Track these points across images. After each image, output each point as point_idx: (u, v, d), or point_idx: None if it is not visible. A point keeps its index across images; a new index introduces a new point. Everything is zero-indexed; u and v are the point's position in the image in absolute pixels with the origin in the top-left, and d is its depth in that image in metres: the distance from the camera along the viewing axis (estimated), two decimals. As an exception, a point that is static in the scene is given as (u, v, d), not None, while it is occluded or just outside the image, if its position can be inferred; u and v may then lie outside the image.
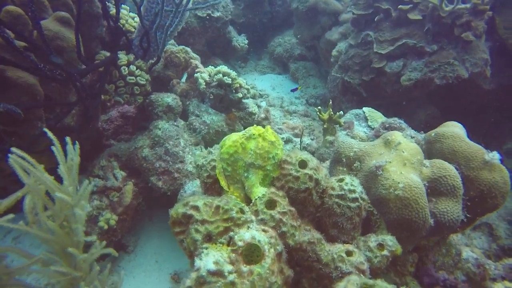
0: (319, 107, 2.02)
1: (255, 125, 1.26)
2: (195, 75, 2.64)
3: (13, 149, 1.02)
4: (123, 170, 2.58)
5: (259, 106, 3.08)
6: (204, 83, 2.60)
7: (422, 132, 2.17)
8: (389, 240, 1.15)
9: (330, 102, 1.99)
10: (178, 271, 2.59)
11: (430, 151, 1.41)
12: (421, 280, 1.32)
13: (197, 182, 2.43)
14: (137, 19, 2.63)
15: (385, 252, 1.13)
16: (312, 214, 1.24)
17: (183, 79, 2.96)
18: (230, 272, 0.87)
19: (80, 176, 2.55)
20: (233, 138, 1.21)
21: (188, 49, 2.88)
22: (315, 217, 1.24)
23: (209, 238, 0.96)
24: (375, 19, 2.63)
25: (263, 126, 2.84)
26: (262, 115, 2.80)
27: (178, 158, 2.46)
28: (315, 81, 4.00)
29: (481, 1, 2.07)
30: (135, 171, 2.58)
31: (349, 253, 1.07)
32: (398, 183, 1.16)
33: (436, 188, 1.21)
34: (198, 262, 0.90)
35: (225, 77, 2.60)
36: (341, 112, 1.96)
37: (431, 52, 2.41)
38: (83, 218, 1.05)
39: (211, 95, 2.70)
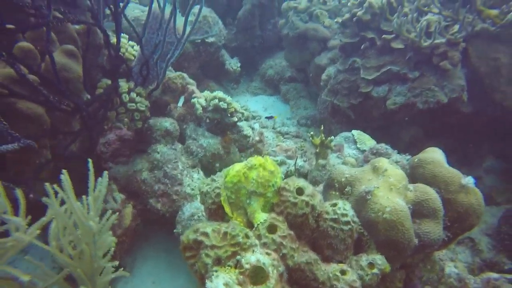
0: (312, 133, 2.17)
1: (256, 156, 1.39)
2: (192, 100, 2.77)
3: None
4: (121, 193, 2.66)
5: (252, 128, 3.21)
6: (201, 108, 2.72)
7: (407, 154, 2.34)
8: (379, 259, 1.27)
9: (322, 128, 2.14)
10: (179, 290, 2.65)
11: (414, 175, 1.55)
12: (409, 295, 1.44)
13: (195, 204, 2.52)
14: (136, 47, 2.76)
15: (375, 270, 1.24)
16: (309, 237, 1.35)
17: (180, 103, 3.08)
18: (238, 293, 0.98)
19: (79, 199, 2.62)
20: (236, 168, 1.33)
21: (185, 75, 3.01)
22: (311, 238, 1.36)
23: (219, 261, 1.06)
24: (362, 47, 2.83)
25: (258, 149, 2.95)
26: (257, 138, 2.93)
27: (176, 181, 2.55)
28: (305, 103, 4.17)
29: (454, 37, 2.28)
30: (134, 193, 2.66)
31: (343, 272, 1.19)
32: (386, 207, 1.29)
33: (419, 210, 1.35)
34: (209, 284, 1.00)
35: (221, 102, 2.73)
36: (332, 137, 2.10)
37: (413, 78, 2.60)
38: (107, 245, 1.15)
39: (207, 119, 2.83)
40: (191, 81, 3.08)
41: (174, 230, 2.45)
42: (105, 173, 1.24)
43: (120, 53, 2.43)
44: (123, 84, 2.44)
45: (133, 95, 2.46)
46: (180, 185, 2.56)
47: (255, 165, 1.33)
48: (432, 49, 2.45)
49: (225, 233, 1.12)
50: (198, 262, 1.08)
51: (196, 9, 2.36)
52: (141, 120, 2.55)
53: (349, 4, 2.98)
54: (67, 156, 2.04)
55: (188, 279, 2.77)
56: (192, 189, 2.60)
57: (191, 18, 2.43)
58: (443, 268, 1.55)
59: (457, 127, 2.94)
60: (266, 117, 3.05)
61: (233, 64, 4.24)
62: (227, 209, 1.31)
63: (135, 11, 3.77)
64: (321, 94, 3.51)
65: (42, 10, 1.59)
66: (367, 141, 2.48)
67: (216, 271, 1.04)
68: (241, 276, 1.01)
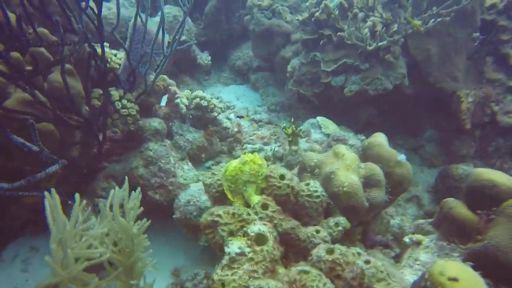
0: (284, 124, 2.61)
1: (248, 154, 1.81)
2: (176, 101, 3.10)
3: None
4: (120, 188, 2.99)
5: (229, 118, 3.60)
6: (185, 108, 3.07)
7: (363, 134, 2.86)
8: (342, 219, 1.76)
9: (292, 120, 2.58)
10: (177, 267, 3.07)
11: (365, 155, 2.05)
12: (365, 244, 1.97)
13: (189, 191, 2.90)
14: (119, 55, 3.01)
15: (340, 228, 1.74)
16: (291, 209, 1.81)
17: (162, 103, 3.38)
18: (248, 252, 1.43)
19: (84, 197, 2.93)
20: (233, 165, 1.75)
21: (165, 77, 3.30)
22: (292, 210, 1.82)
23: (231, 234, 1.50)
24: (321, 43, 3.27)
25: (238, 138, 3.36)
26: (235, 129, 3.33)
27: (170, 173, 2.93)
28: (273, 90, 4.59)
29: (393, 38, 2.78)
30: (132, 188, 2.99)
31: (317, 231, 1.67)
32: (344, 182, 1.78)
33: (368, 182, 1.85)
34: (227, 249, 1.44)
35: (202, 101, 3.09)
36: (301, 127, 2.56)
37: (365, 70, 3.09)
38: (142, 246, 1.53)
39: (190, 116, 3.17)
40: (171, 81, 3.37)
41: (173, 216, 2.84)
42: (139, 188, 1.60)
43: (108, 64, 2.68)
44: (114, 93, 2.71)
45: (124, 101, 2.75)
46: (174, 176, 2.94)
47: (247, 161, 1.76)
48: (375, 47, 2.94)
49: (233, 214, 1.55)
50: (217, 236, 1.51)
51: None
52: (133, 123, 2.86)
53: (307, 4, 3.37)
54: (70, 163, 2.35)
55: (186, 256, 3.21)
56: (185, 179, 2.99)
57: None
58: (389, 221, 2.10)
59: (402, 106, 3.52)
60: (237, 117, 3.46)
61: (204, 58, 4.53)
62: (229, 195, 1.74)
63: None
64: (287, 84, 3.94)
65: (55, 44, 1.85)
66: (330, 126, 2.97)
67: (230, 240, 1.48)
68: (249, 241, 1.46)
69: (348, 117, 3.47)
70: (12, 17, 1.90)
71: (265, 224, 1.56)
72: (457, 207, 1.61)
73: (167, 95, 3.27)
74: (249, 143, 3.20)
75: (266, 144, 3.21)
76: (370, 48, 2.80)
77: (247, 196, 1.73)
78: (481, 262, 1.31)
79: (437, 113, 3.50)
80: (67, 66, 2.30)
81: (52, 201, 1.40)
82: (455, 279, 1.08)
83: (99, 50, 2.53)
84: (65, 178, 2.65)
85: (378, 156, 1.97)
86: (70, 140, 2.42)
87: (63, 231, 1.38)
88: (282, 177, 1.75)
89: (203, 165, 3.28)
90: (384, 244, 2.00)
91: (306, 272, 1.34)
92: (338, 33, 3.14)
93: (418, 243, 1.72)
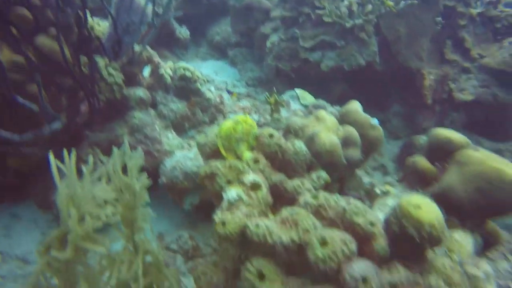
0: (267, 93, 2.79)
1: (240, 115, 1.97)
2: (160, 71, 3.16)
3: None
4: (105, 156, 3.05)
5: (210, 91, 3.70)
6: (169, 78, 3.14)
7: (338, 105, 3.09)
8: (323, 173, 2.00)
9: (275, 90, 2.76)
10: (161, 232, 3.22)
11: (342, 120, 2.29)
12: (341, 197, 2.23)
13: (174, 158, 3.03)
14: (101, 23, 3.00)
15: (321, 181, 1.98)
16: (278, 165, 2.02)
17: (145, 74, 3.41)
18: (245, 198, 1.62)
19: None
20: (227, 124, 1.91)
21: (148, 47, 3.33)
22: (279, 166, 2.03)
23: (229, 182, 1.68)
24: (300, 21, 3.44)
25: (220, 109, 3.50)
26: (218, 100, 3.46)
27: (156, 141, 3.03)
28: (251, 66, 4.73)
29: (367, 17, 3.01)
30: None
31: (302, 183, 1.90)
32: (326, 142, 2.00)
33: (346, 142, 2.09)
34: (226, 196, 1.62)
35: (186, 72, 3.17)
36: (283, 97, 2.75)
37: (340, 47, 3.32)
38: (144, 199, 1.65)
39: (174, 86, 3.25)
40: (154, 52, 3.41)
41: (159, 180, 2.96)
42: (139, 149, 1.70)
43: (93, 32, 2.69)
44: (100, 61, 2.73)
45: (110, 70, 2.78)
46: (160, 144, 3.04)
47: (239, 121, 1.93)
48: (353, 25, 3.17)
49: (230, 166, 1.73)
50: (215, 185, 1.68)
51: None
52: (119, 92, 2.90)
53: (287, -19, 3.51)
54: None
55: (170, 222, 3.36)
56: (170, 146, 3.10)
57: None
58: (361, 179, 2.38)
59: (373, 82, 3.81)
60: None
61: (183, 32, 4.55)
62: (223, 152, 1.91)
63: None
64: (266, 59, 4.09)
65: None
66: (308, 97, 3.19)
67: (228, 188, 1.66)
68: (245, 189, 1.65)
69: (323, 91, 3.71)
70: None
71: (258, 175, 1.75)
72: (420, 160, 1.90)
73: (150, 66, 3.31)
74: (231, 113, 3.35)
75: (248, 114, 3.38)
76: (348, 25, 3.02)
77: (240, 152, 1.91)
78: (438, 202, 1.60)
79: (403, 90, 3.83)
80: (52, 30, 2.30)
81: (67, 159, 1.49)
82: (419, 207, 1.34)
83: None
84: (51, 143, 2.68)
85: (354, 120, 2.21)
86: (57, 107, 2.45)
87: (76, 189, 1.47)
88: (271, 136, 1.94)
89: (186, 134, 3.40)
90: (357, 198, 2.28)
91: (297, 212, 1.56)
92: (317, 11, 3.32)
93: (387, 193, 2.00)
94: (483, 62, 3.62)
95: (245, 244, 1.60)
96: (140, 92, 3.07)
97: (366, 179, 2.42)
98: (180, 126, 3.33)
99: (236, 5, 4.03)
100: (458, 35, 3.70)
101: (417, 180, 1.88)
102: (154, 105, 3.26)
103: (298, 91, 3.23)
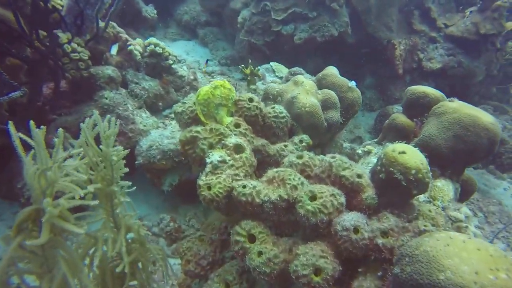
0: (242, 65, 2.72)
1: (217, 80, 1.90)
2: (129, 48, 3.00)
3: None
4: (75, 139, 2.89)
5: (182, 69, 3.58)
6: (139, 55, 2.99)
7: (313, 75, 3.07)
8: (305, 137, 1.99)
9: (250, 61, 2.71)
10: (141, 216, 3.13)
11: (320, 85, 2.28)
12: (323, 162, 2.23)
13: (150, 137, 2.92)
14: (59, -4, 2.78)
15: (304, 144, 1.97)
16: (258, 130, 1.98)
17: (113, 52, 3.23)
18: (229, 160, 1.57)
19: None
20: (205, 89, 1.84)
21: (115, 24, 3.15)
22: (260, 131, 1.99)
23: (211, 146, 1.62)
24: (271, -8, 3.38)
25: (194, 86, 3.40)
26: (191, 77, 3.35)
27: (129, 120, 2.89)
28: (223, 44, 4.62)
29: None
30: (87, 138, 2.91)
31: (285, 146, 1.87)
32: (306, 104, 1.99)
33: (325, 105, 2.09)
34: (209, 159, 1.57)
35: (156, 48, 3.03)
36: (259, 67, 2.70)
37: (313, 18, 3.30)
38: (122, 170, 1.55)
39: (144, 64, 3.11)
40: (121, 29, 3.23)
41: (136, 162, 2.85)
42: (113, 119, 1.60)
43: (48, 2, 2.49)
44: (62, 35, 2.55)
45: (74, 45, 2.60)
46: (133, 123, 2.91)
47: (218, 85, 1.86)
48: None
49: (211, 129, 1.67)
50: (197, 149, 1.62)
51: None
52: (85, 69, 2.72)
53: (256, -48, 3.42)
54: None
55: (149, 205, 3.26)
56: (144, 126, 2.98)
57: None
58: (342, 144, 2.40)
59: (346, 56, 3.84)
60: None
61: (150, 11, 4.35)
62: (202, 118, 1.83)
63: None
64: (238, 35, 4.01)
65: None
66: (283, 70, 3.17)
67: (211, 151, 1.61)
68: (228, 151, 1.60)
69: (297, 64, 3.69)
70: None
71: (241, 138, 1.71)
72: (399, 117, 1.93)
73: (117, 43, 3.13)
74: (206, 90, 3.25)
75: (223, 90, 3.30)
76: None
77: (219, 118, 1.85)
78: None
79: (374, 61, 3.89)
80: (7, -2, 2.10)
81: (34, 131, 1.35)
82: (403, 152, 1.35)
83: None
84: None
85: (332, 84, 2.21)
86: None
87: (47, 163, 1.34)
88: (250, 100, 1.89)
89: (161, 113, 3.28)
90: (338, 162, 2.29)
91: (283, 170, 1.54)
92: (288, -18, 3.28)
93: (368, 152, 2.03)
94: (448, 31, 3.74)
95: (232, 207, 1.56)
96: (109, 71, 2.91)
97: (346, 144, 2.44)
98: (154, 105, 3.20)
99: (204, -20, 3.90)
100: (424, 5, 3.79)
101: (397, 137, 1.91)
102: (124, 84, 3.10)
103: (273, 64, 3.19)
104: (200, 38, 4.72)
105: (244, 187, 1.47)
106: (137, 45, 3.06)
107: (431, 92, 1.85)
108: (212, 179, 1.51)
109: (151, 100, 3.16)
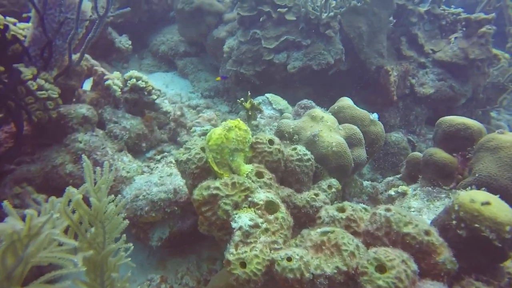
0: (242, 99, 2.43)
1: (229, 119, 1.59)
2: (107, 82, 2.61)
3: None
4: (40, 194, 2.41)
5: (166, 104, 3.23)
6: (119, 90, 2.61)
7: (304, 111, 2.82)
8: (333, 181, 1.70)
9: (249, 93, 2.42)
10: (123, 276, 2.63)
11: (337, 118, 2.03)
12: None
13: (134, 185, 2.50)
14: (19, 24, 2.38)
15: (333, 190, 1.67)
16: (279, 177, 1.67)
17: (86, 87, 2.83)
18: (262, 222, 1.23)
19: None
20: (217, 132, 1.51)
21: (88, 56, 2.77)
22: (281, 178, 1.68)
23: (236, 206, 1.27)
24: (260, 20, 3.17)
25: (181, 123, 3.05)
26: (178, 113, 3.00)
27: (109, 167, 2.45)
28: (205, 75, 4.34)
29: (334, 12, 2.88)
30: (57, 190, 2.44)
31: (316, 195, 1.57)
32: (332, 142, 1.71)
33: (350, 142, 1.83)
34: (236, 223, 1.22)
35: (139, 82, 2.67)
36: (259, 100, 2.42)
37: (307, 45, 3.12)
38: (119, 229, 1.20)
39: (125, 100, 2.72)
40: (95, 61, 2.84)
41: (121, 215, 2.40)
42: (107, 163, 1.26)
43: (12, 33, 2.08)
44: (25, 70, 2.13)
45: (41, 81, 2.18)
46: (114, 170, 2.47)
47: (232, 126, 1.54)
48: (318, 21, 3.00)
49: (233, 183, 1.33)
50: (219, 211, 1.27)
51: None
52: (54, 109, 2.29)
53: (242, -21, 3.24)
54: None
55: (133, 262, 2.78)
56: (128, 172, 2.55)
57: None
58: (362, 183, 2.14)
59: (336, 83, 3.68)
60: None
61: (123, 41, 4.00)
62: (215, 167, 1.49)
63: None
64: (223, 66, 3.75)
65: None
66: (281, 102, 2.91)
67: (236, 213, 1.26)
68: (259, 211, 1.26)
69: (287, 95, 3.47)
70: None
71: (268, 191, 1.38)
72: (437, 152, 1.70)
73: (92, 78, 2.74)
74: (195, 126, 2.92)
75: (214, 126, 2.98)
76: (325, 15, 2.83)
77: (236, 166, 1.51)
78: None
79: (367, 88, 3.77)
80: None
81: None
82: (487, 203, 1.09)
83: None
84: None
85: (352, 117, 1.97)
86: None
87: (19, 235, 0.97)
88: (271, 142, 1.59)
89: (144, 155, 2.87)
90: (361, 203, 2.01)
91: (331, 231, 1.22)
92: (279, 10, 3.10)
93: (403, 194, 1.77)
94: (436, 56, 3.74)
95: (271, 285, 1.20)
96: (83, 110, 2.49)
97: (366, 182, 2.18)
98: (136, 147, 2.79)
99: (185, 8, 3.65)
100: (410, 32, 3.78)
101: (436, 175, 1.68)
102: (101, 124, 2.68)
103: (269, 95, 2.94)
104: (179, 69, 4.41)
105: (290, 259, 1.12)
106: (115, 79, 2.68)
107: (472, 123, 1.65)
108: (245, 251, 1.15)
109: (133, 141, 2.76)
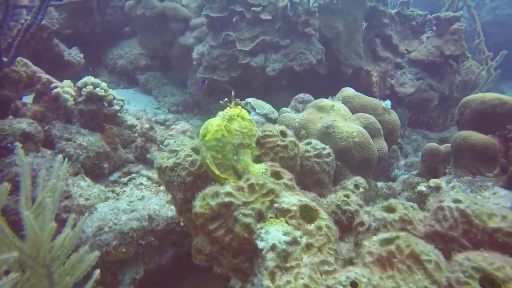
0: (226, 99, 2.07)
1: (228, 107, 1.22)
2: (55, 90, 2.12)
3: None
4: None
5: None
6: (72, 99, 2.12)
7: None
8: (360, 179, 1.37)
9: (233, 93, 2.07)
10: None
11: (344, 110, 1.73)
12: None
13: (97, 214, 1.98)
14: None
15: (361, 190, 1.34)
16: (295, 178, 1.31)
17: (27, 99, 2.30)
18: (301, 236, 0.85)
19: None
20: (216, 123, 1.13)
21: (28, 61, 2.27)
22: (297, 180, 1.32)
23: (260, 216, 0.88)
24: (233, 20, 2.88)
25: (151, 137, 2.60)
26: (146, 126, 2.55)
27: (61, 195, 1.93)
28: (171, 89, 3.93)
29: (311, 7, 2.69)
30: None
31: (347, 196, 1.22)
32: (352, 132, 1.39)
33: (369, 132, 1.52)
34: (265, 242, 0.82)
35: (97, 89, 2.21)
36: (249, 101, 2.08)
37: (285, 46, 2.87)
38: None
39: (80, 112, 2.23)
40: (38, 68, 2.34)
41: (83, 248, 1.86)
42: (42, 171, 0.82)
43: None
44: None
45: (-36, 87, 1.66)
46: (69, 198, 1.95)
47: (233, 115, 1.18)
48: (296, 18, 2.77)
49: (251, 186, 0.94)
50: (236, 226, 0.86)
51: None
52: (-17, 124, 1.76)
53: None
54: None
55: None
56: (87, 199, 2.03)
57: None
58: (376, 184, 1.83)
59: (315, 86, 3.45)
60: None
61: (74, 54, 3.50)
62: (216, 170, 1.10)
63: None
64: (192, 75, 3.38)
65: None
66: (264, 106, 2.59)
67: (261, 227, 0.86)
68: (293, 220, 0.88)
69: (269, 99, 3.17)
70: None
71: (297, 194, 1.00)
72: (471, 135, 1.45)
73: (36, 87, 2.22)
74: (168, 139, 2.48)
75: (192, 138, 2.56)
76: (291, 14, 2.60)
77: (243, 167, 1.13)
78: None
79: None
80: None
81: None
82: None
83: None
84: None
85: (362, 106, 1.68)
86: None
87: None
88: (283, 134, 1.23)
89: (107, 178, 2.35)
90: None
91: (396, 237, 0.86)
92: (253, 8, 2.83)
93: (437, 188, 1.48)
94: (411, 56, 3.68)
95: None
96: (23, 125, 1.96)
97: (380, 184, 1.88)
98: (97, 169, 2.28)
99: (145, 14, 3.27)
100: (384, 33, 3.71)
101: (476, 160, 1.41)
102: (50, 142, 2.16)
103: (251, 100, 2.61)
104: (141, 85, 3.96)
105: (355, 285, 0.75)
106: (66, 87, 2.20)
107: (508, 98, 1.42)
108: (288, 281, 0.75)
109: (92, 161, 2.24)
